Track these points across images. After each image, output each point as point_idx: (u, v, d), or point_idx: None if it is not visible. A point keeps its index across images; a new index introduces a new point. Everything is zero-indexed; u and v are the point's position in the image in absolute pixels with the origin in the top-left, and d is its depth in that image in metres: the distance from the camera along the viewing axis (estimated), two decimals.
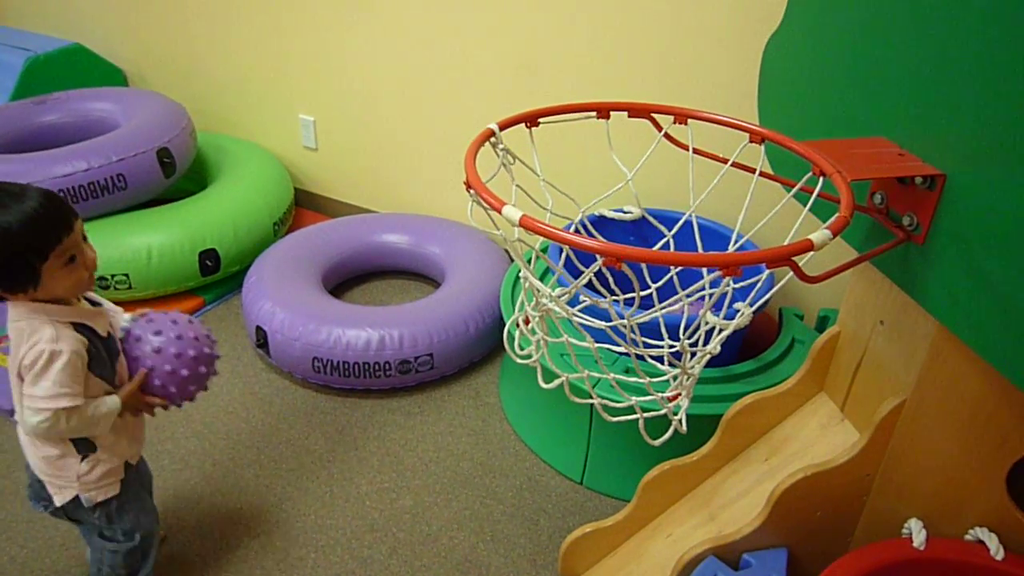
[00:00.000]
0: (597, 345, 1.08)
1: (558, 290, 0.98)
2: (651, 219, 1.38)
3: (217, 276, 2.37)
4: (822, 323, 1.86)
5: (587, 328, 1.07)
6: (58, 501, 1.28)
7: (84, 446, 1.24)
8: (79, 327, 1.16)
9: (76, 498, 1.28)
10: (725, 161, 1.16)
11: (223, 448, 1.86)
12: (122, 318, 1.32)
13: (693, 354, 1.12)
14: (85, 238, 1.16)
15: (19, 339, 1.14)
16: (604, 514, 1.53)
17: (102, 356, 1.20)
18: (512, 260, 2.31)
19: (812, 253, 0.83)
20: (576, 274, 1.45)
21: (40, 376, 1.12)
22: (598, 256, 0.78)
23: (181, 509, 1.70)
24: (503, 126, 1.06)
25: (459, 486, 1.78)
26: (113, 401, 1.22)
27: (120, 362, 1.26)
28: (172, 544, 1.61)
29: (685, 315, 1.04)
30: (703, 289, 0.89)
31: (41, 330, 1.12)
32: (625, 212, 1.98)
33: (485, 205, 0.89)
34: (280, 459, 1.83)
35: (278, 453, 1.85)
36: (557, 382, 1.17)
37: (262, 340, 2.05)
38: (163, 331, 1.28)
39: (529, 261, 1.08)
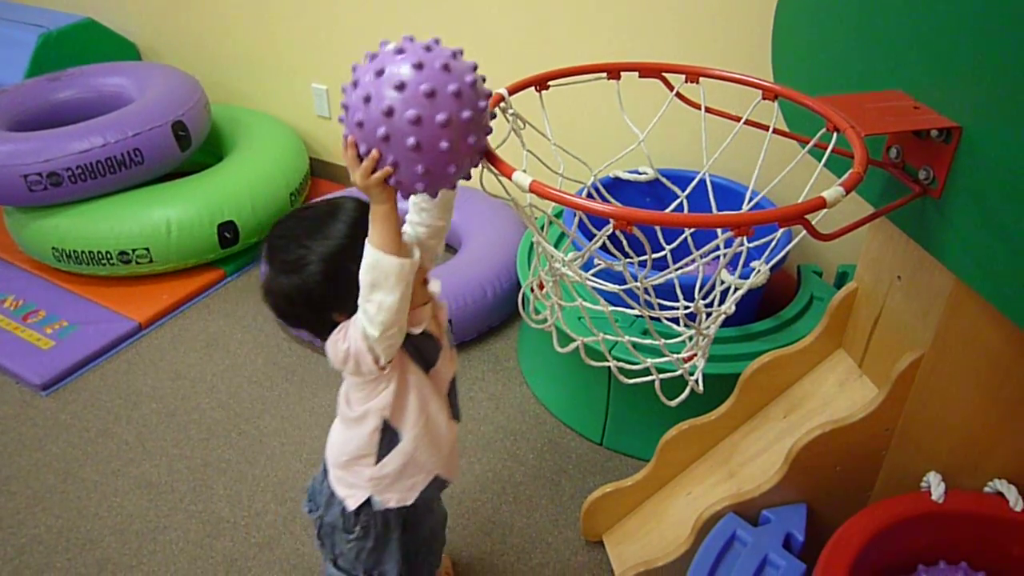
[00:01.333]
0: (612, 309, 1.09)
1: (571, 254, 0.98)
2: (664, 180, 1.37)
3: (236, 248, 2.39)
4: (841, 279, 1.85)
5: (601, 292, 1.07)
6: (350, 504, 1.14)
7: (387, 440, 1.10)
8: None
9: (340, 516, 1.17)
10: (738, 119, 1.15)
11: (248, 418, 1.90)
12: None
13: (708, 314, 1.12)
14: None
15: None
16: (624, 474, 1.54)
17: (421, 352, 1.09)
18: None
19: (825, 210, 0.83)
20: (590, 238, 1.44)
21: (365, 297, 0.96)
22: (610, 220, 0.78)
23: (210, 478, 1.74)
24: (512, 90, 1.05)
25: (480, 449, 1.80)
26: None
27: (439, 371, 1.13)
28: (202, 510, 1.66)
29: (700, 275, 1.03)
30: (717, 249, 0.89)
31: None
32: (640, 173, 1.97)
33: (495, 171, 0.89)
34: (305, 427, 1.86)
35: (302, 421, 1.88)
36: (572, 346, 1.17)
37: None
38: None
39: (543, 227, 1.07)
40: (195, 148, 2.49)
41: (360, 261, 0.94)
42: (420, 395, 1.10)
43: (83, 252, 2.23)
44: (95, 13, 3.02)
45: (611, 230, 0.79)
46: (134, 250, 2.23)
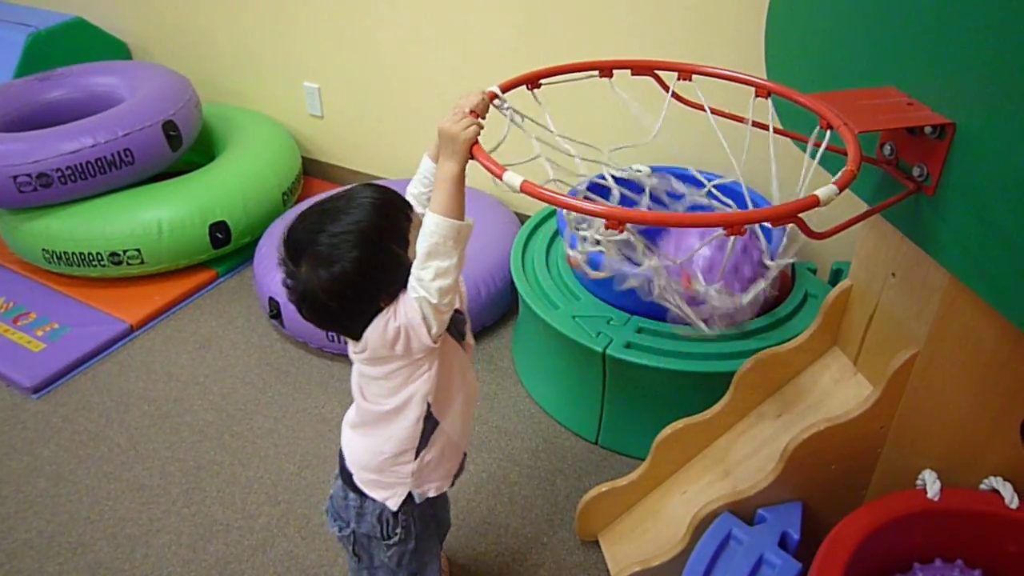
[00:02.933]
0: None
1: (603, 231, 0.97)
2: (665, 179, 1.35)
3: (228, 248, 2.38)
4: (835, 276, 1.85)
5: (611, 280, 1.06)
6: (392, 505, 1.12)
7: (429, 427, 1.09)
8: None
9: (377, 524, 1.15)
10: (735, 118, 1.14)
11: (240, 419, 1.89)
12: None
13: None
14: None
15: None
16: (620, 473, 1.54)
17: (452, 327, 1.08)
18: (522, 223, 2.30)
19: (819, 209, 0.82)
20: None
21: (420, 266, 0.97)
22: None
23: (202, 480, 1.72)
24: (504, 88, 1.05)
25: (475, 449, 1.80)
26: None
27: (465, 356, 1.14)
28: (195, 513, 1.65)
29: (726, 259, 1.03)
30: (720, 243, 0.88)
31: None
32: (637, 171, 1.95)
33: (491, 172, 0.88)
34: (298, 427, 1.85)
35: (295, 422, 1.87)
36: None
37: (275, 311, 2.06)
38: None
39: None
40: (186, 148, 2.47)
41: (394, 239, 0.98)
42: (460, 370, 1.10)
43: (74, 253, 2.22)
44: (85, 12, 3.00)
45: (605, 229, 0.78)
46: (125, 251, 2.22)
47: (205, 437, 1.84)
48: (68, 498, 1.69)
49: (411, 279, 0.96)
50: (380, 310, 0.99)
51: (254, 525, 1.62)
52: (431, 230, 0.93)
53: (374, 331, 1.00)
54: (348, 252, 0.95)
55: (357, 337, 1.02)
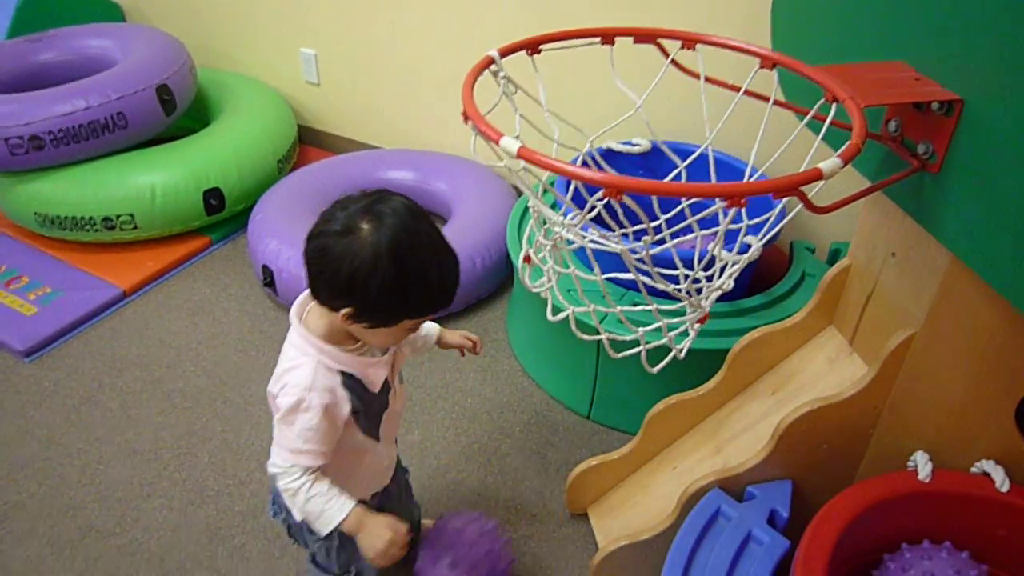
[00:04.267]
0: (605, 277, 1.07)
1: (570, 215, 0.96)
2: (665, 149, 1.34)
3: (222, 215, 2.36)
4: (834, 256, 1.83)
5: (597, 256, 1.04)
6: (298, 516, 1.07)
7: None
8: (347, 378, 1.00)
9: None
10: (736, 89, 1.12)
11: (233, 386, 1.88)
12: (433, 331, 1.26)
13: (699, 290, 1.10)
14: None
15: (283, 355, 1.01)
16: (611, 447, 1.53)
17: (370, 412, 1.05)
18: (519, 195, 2.28)
19: (822, 182, 0.81)
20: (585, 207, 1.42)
21: (284, 421, 0.98)
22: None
23: (195, 446, 1.72)
24: (503, 53, 1.03)
25: (467, 421, 1.79)
26: (341, 511, 1.00)
27: (388, 412, 1.10)
28: (186, 478, 1.64)
29: (698, 248, 1.02)
30: (713, 218, 0.87)
31: (299, 365, 0.97)
32: (633, 144, 1.94)
33: (483, 136, 0.86)
34: None
35: None
36: (563, 315, 1.16)
37: (269, 279, 2.04)
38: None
39: (538, 192, 1.05)
40: (180, 113, 2.44)
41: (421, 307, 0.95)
42: (359, 455, 1.09)
43: (66, 218, 2.19)
44: None
45: (601, 197, 0.77)
46: (118, 216, 2.20)
47: (197, 403, 1.83)
48: (59, 461, 1.69)
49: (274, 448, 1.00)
50: (338, 308, 0.94)
51: (244, 491, 1.62)
52: (293, 487, 0.99)
53: (280, 375, 1.00)
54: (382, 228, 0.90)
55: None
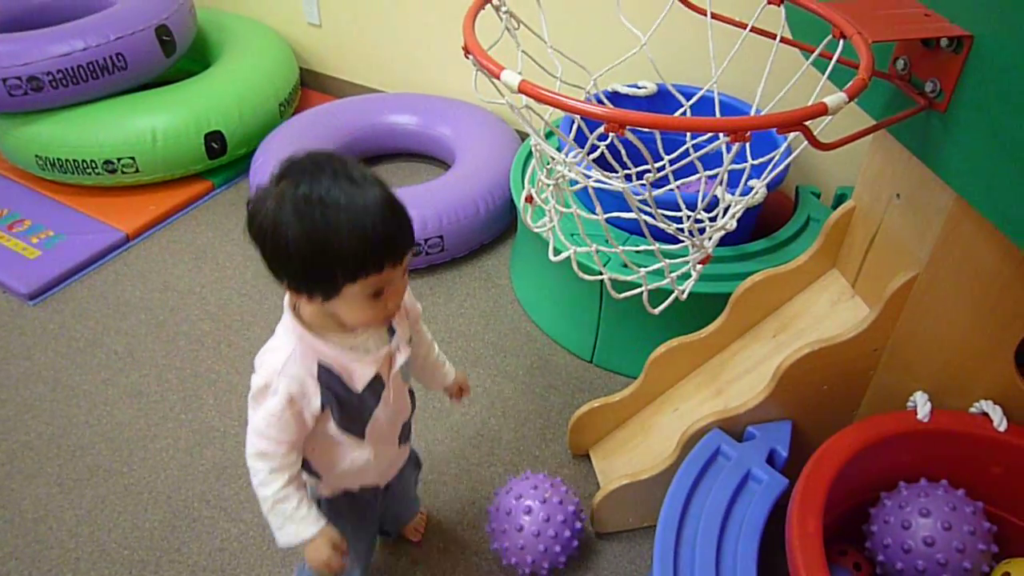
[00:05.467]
0: (607, 215, 1.06)
1: (572, 153, 0.95)
2: (671, 89, 1.33)
3: (224, 160, 2.34)
4: (839, 201, 1.82)
5: (600, 198, 1.04)
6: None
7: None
8: (324, 372, 0.93)
9: None
10: (743, 26, 1.10)
11: (238, 329, 1.89)
12: (447, 372, 1.20)
13: (702, 230, 1.10)
14: (405, 270, 0.90)
15: (273, 337, 0.96)
16: (613, 391, 1.55)
17: (349, 409, 0.98)
18: (523, 140, 2.26)
19: (828, 118, 0.80)
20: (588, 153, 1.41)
21: (254, 401, 0.95)
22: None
23: (200, 388, 1.74)
24: None
25: (470, 365, 1.81)
26: (303, 529, 0.97)
27: (379, 413, 1.01)
28: (192, 419, 1.67)
29: (701, 187, 1.01)
30: (718, 162, 0.86)
31: (278, 348, 0.93)
32: (639, 87, 1.91)
33: (484, 70, 0.85)
34: None
35: None
36: (564, 255, 1.15)
37: None
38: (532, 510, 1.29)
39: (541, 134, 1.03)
40: (180, 54, 2.41)
41: (347, 264, 0.84)
42: (349, 453, 1.03)
43: (67, 160, 2.18)
44: None
45: (604, 132, 0.76)
46: (119, 159, 2.18)
47: (202, 347, 1.85)
48: (66, 403, 1.71)
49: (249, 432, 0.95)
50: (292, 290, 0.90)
51: None
52: (261, 492, 0.96)
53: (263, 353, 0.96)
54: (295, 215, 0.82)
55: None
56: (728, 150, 0.76)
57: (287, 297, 0.94)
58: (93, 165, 2.18)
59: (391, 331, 1.00)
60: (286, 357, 0.91)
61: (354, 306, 0.88)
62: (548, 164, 1.05)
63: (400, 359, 0.99)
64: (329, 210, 0.80)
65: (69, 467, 1.57)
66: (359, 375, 0.95)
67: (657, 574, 1.07)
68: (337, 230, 0.80)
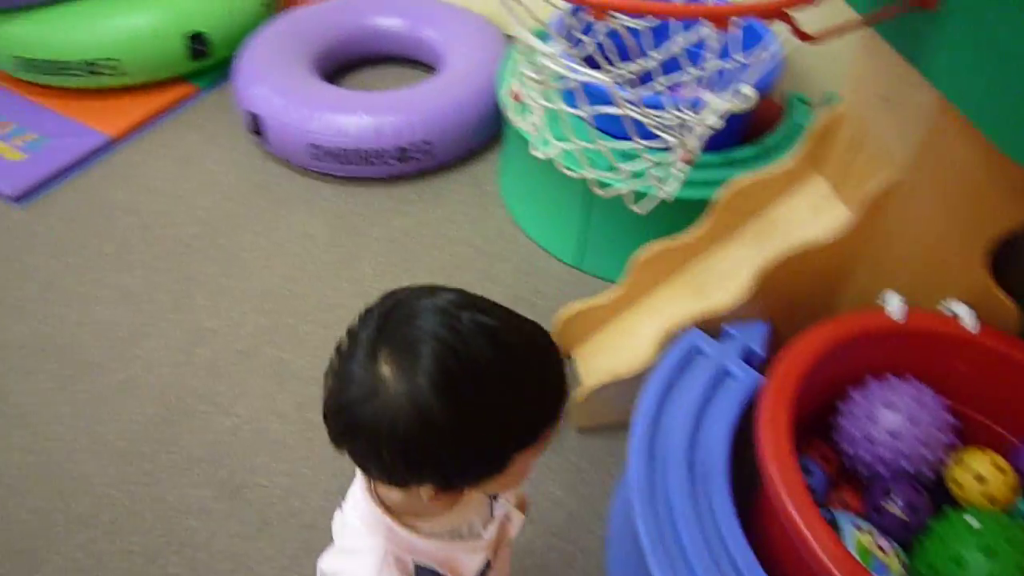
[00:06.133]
0: (591, 111, 1.06)
1: (555, 47, 0.95)
2: None
3: (209, 62, 2.30)
4: (826, 103, 1.81)
5: (588, 89, 1.02)
6: None
7: None
8: (424, 573, 0.70)
9: None
10: None
11: (226, 232, 1.90)
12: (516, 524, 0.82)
13: (690, 128, 1.10)
14: None
15: (345, 523, 0.73)
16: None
17: None
18: (511, 43, 2.22)
19: (812, 5, 0.79)
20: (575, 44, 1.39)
21: None
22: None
23: (190, 289, 1.76)
24: None
25: (457, 269, 1.83)
26: None
27: None
28: (183, 319, 1.69)
29: (689, 88, 1.01)
30: (701, 47, 0.86)
31: (362, 552, 0.68)
32: None
33: None
34: (282, 242, 1.87)
35: (280, 236, 1.89)
36: (547, 150, 1.15)
37: (256, 126, 2.02)
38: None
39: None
40: None
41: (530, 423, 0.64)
42: None
43: (48, 62, 2.14)
44: None
45: (587, 27, 0.75)
46: (101, 60, 2.14)
47: (191, 249, 1.86)
48: (58, 303, 1.73)
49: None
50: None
51: (241, 332, 1.67)
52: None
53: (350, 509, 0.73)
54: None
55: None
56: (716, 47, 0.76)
57: (359, 482, 0.72)
58: (75, 66, 2.14)
59: (492, 495, 0.76)
60: (376, 569, 0.67)
61: (519, 473, 0.67)
62: (535, 59, 1.04)
63: (515, 527, 0.79)
64: (499, 372, 0.61)
65: (63, 364, 1.60)
66: (467, 566, 0.72)
67: (633, 460, 1.12)
68: (518, 390, 0.62)
